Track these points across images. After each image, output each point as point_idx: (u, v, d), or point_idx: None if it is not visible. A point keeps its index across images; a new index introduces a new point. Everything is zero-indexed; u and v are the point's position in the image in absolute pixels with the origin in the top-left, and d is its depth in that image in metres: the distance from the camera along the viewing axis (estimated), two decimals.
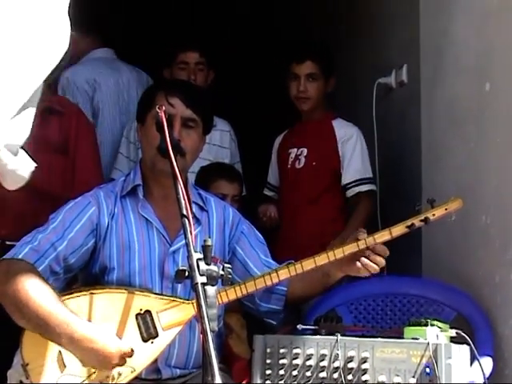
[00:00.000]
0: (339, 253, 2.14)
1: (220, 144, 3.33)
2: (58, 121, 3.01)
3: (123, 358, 1.97)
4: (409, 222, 2.15)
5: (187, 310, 2.07)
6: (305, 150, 3.17)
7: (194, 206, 2.24)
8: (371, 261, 2.13)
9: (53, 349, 1.97)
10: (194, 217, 2.21)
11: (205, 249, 1.74)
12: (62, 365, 1.96)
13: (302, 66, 3.13)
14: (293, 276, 2.17)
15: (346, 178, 3.11)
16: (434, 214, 2.15)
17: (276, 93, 3.43)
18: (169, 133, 1.96)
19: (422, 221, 2.15)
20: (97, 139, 3.16)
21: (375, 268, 2.14)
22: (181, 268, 1.72)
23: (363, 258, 2.13)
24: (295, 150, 3.20)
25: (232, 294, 2.13)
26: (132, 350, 1.97)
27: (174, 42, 3.46)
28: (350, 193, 3.10)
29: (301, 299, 2.35)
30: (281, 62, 3.24)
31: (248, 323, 2.71)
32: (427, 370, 1.94)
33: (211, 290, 1.68)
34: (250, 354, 2.23)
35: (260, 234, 2.39)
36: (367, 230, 2.19)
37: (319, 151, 3.15)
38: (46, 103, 2.98)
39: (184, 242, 2.08)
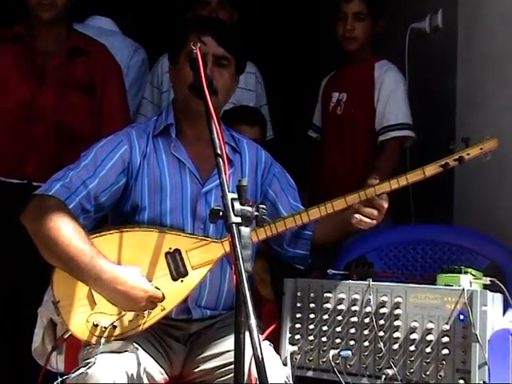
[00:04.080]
0: (371, 192, 2.10)
1: (245, 86, 3.25)
2: (84, 61, 2.97)
3: (152, 302, 1.96)
4: (443, 162, 2.11)
5: (217, 249, 2.05)
6: (345, 96, 3.10)
7: (226, 147, 2.20)
8: (364, 215, 2.08)
9: (83, 286, 1.97)
10: (227, 158, 2.17)
11: (239, 189, 1.71)
12: (93, 302, 1.95)
13: (350, 4, 3.06)
14: (322, 217, 2.14)
15: (377, 124, 3.03)
16: (468, 154, 2.12)
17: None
18: (202, 71, 1.90)
19: (456, 160, 2.12)
20: (123, 79, 3.11)
21: (367, 222, 2.09)
22: (215, 208, 1.69)
23: (356, 215, 2.09)
24: (337, 94, 3.14)
25: (262, 233, 2.11)
26: (163, 295, 1.96)
27: None
28: (379, 140, 3.02)
29: (324, 244, 2.31)
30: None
31: (271, 267, 2.71)
32: (461, 316, 1.92)
33: (245, 231, 1.66)
34: (273, 297, 2.21)
35: (291, 179, 2.35)
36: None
37: (358, 97, 3.06)
38: (72, 43, 2.94)
39: (216, 182, 2.10)
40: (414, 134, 3.02)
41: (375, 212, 2.09)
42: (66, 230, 1.97)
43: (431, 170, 2.11)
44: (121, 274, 1.94)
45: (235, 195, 1.69)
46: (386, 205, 2.10)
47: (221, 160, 1.76)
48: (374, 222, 2.11)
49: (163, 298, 1.97)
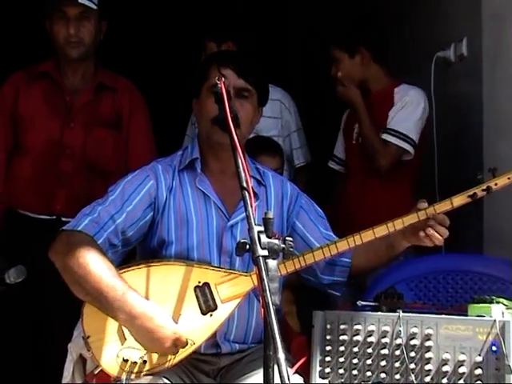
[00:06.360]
0: (399, 224, 2.10)
1: (265, 114, 3.24)
2: (111, 97, 3.01)
3: (176, 346, 1.95)
4: (470, 192, 2.11)
5: (246, 283, 2.05)
6: None
7: (252, 180, 2.19)
8: (435, 231, 2.08)
9: (113, 321, 1.97)
10: (253, 191, 2.17)
11: (266, 222, 1.71)
12: (123, 337, 1.96)
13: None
14: (356, 247, 2.13)
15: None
16: (496, 184, 2.11)
17: None
18: (227, 104, 1.91)
19: (483, 190, 2.11)
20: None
21: (439, 238, 2.09)
22: (242, 241, 1.68)
23: (428, 228, 2.08)
24: (357, 124, 3.11)
25: (290, 266, 2.10)
26: (187, 342, 1.96)
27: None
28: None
29: (366, 270, 2.31)
30: None
31: (297, 298, 2.69)
32: (493, 347, 1.88)
33: (272, 264, 1.65)
34: (300, 328, 2.19)
35: (319, 208, 2.35)
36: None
37: (379, 124, 3.03)
38: (98, 79, 2.99)
39: (242, 216, 2.11)
40: (411, 150, 2.96)
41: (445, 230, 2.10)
42: (96, 265, 1.98)
43: (459, 200, 2.11)
44: (151, 311, 1.94)
45: (261, 228, 1.69)
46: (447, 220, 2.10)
47: (247, 193, 1.76)
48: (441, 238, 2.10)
49: (186, 343, 1.96)
